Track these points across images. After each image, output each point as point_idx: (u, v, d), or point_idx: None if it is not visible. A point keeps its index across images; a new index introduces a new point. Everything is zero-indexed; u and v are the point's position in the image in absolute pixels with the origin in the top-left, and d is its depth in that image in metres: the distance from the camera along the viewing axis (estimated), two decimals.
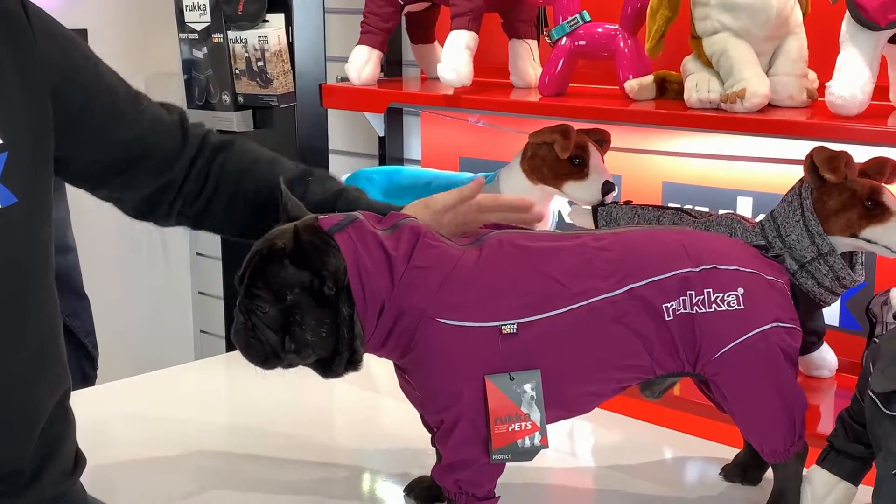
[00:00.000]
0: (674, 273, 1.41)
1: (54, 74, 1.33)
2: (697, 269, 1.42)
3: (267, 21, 2.28)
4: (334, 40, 2.47)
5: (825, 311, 1.89)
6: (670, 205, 1.97)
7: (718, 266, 1.43)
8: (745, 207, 2.14)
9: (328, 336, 1.35)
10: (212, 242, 3.37)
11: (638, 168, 2.24)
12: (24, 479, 1.30)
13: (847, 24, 1.65)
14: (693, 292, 1.41)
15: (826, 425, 1.78)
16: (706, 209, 2.10)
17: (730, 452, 1.71)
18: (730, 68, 1.76)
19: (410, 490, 1.59)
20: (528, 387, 1.37)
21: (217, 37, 2.33)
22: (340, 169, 2.50)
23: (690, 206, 2.01)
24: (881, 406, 1.30)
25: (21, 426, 1.30)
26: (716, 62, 1.78)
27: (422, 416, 1.54)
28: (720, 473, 1.67)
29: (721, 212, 1.92)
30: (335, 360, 1.37)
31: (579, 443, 1.84)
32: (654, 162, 2.23)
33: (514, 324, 1.37)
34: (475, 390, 1.36)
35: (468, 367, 1.36)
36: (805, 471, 1.49)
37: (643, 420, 1.89)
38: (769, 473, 1.60)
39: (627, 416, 1.90)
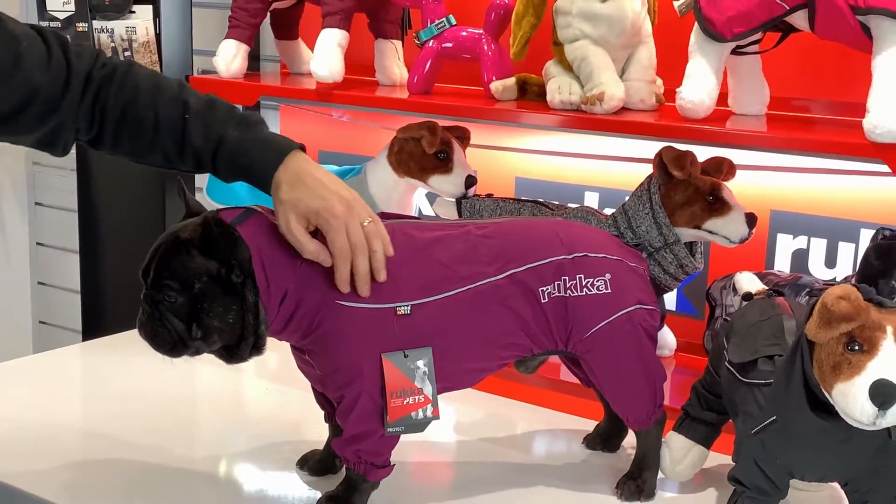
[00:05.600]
0: (550, 260, 1.55)
1: None
2: (570, 257, 1.56)
3: (134, 12, 2.31)
4: (199, 34, 2.51)
5: (665, 296, 2.07)
6: (528, 198, 2.10)
7: (589, 254, 1.57)
8: (592, 201, 2.31)
9: (234, 323, 1.42)
10: (54, 232, 3.34)
11: (493, 164, 2.38)
12: None
13: (696, 35, 1.82)
14: (567, 277, 1.55)
15: (667, 398, 1.95)
16: (557, 203, 2.26)
17: (585, 424, 1.86)
18: (589, 73, 1.91)
19: (304, 463, 1.68)
20: (420, 363, 1.48)
21: (81, 26, 2.34)
22: None
23: (544, 200, 2.17)
24: (738, 375, 1.47)
25: None
26: (576, 67, 1.93)
27: (315, 393, 1.63)
28: (583, 443, 1.82)
29: (572, 205, 2.07)
30: (241, 345, 1.44)
31: (448, 418, 1.94)
32: (508, 158, 2.38)
33: (408, 305, 1.47)
34: (374, 367, 1.46)
35: (367, 346, 1.46)
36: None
37: (505, 396, 2.02)
38: (626, 441, 1.77)
39: (489, 393, 2.01)
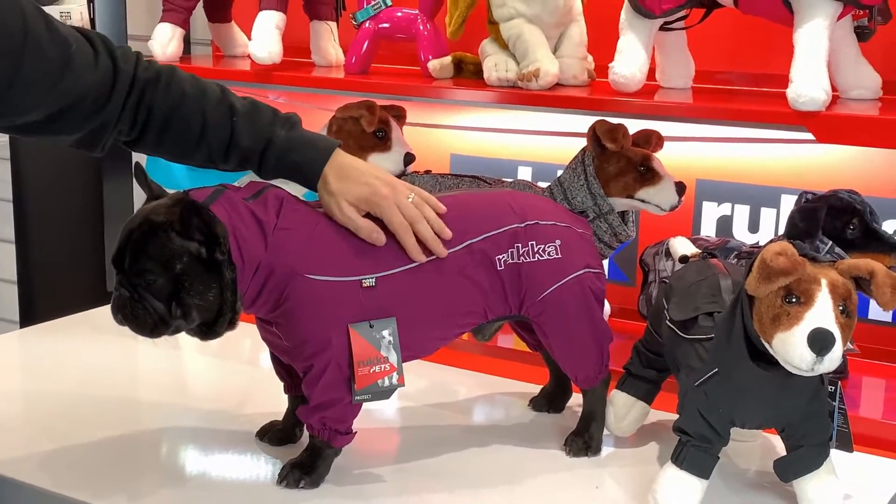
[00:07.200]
0: (504, 229, 1.62)
1: None
2: (523, 225, 1.63)
3: None
4: (133, 18, 2.52)
5: None
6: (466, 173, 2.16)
7: (539, 221, 1.64)
8: (525, 176, 2.39)
9: (214, 300, 1.46)
10: None
11: (429, 142, 2.44)
12: None
13: (626, 12, 1.91)
14: (520, 244, 1.62)
15: None
16: (493, 178, 2.33)
17: (527, 388, 1.93)
18: (525, 51, 1.98)
19: (263, 434, 1.72)
20: (385, 333, 1.54)
21: None
22: None
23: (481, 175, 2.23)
24: (679, 332, 1.55)
25: None
26: (512, 45, 2.00)
27: (275, 365, 1.68)
28: (528, 405, 1.89)
29: (507, 179, 2.14)
30: (218, 321, 1.48)
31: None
32: (444, 136, 2.44)
33: (373, 278, 1.53)
34: (341, 337, 1.51)
35: (334, 317, 1.51)
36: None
37: (445, 364, 2.06)
38: (570, 402, 1.85)
39: (430, 362, 2.02)
